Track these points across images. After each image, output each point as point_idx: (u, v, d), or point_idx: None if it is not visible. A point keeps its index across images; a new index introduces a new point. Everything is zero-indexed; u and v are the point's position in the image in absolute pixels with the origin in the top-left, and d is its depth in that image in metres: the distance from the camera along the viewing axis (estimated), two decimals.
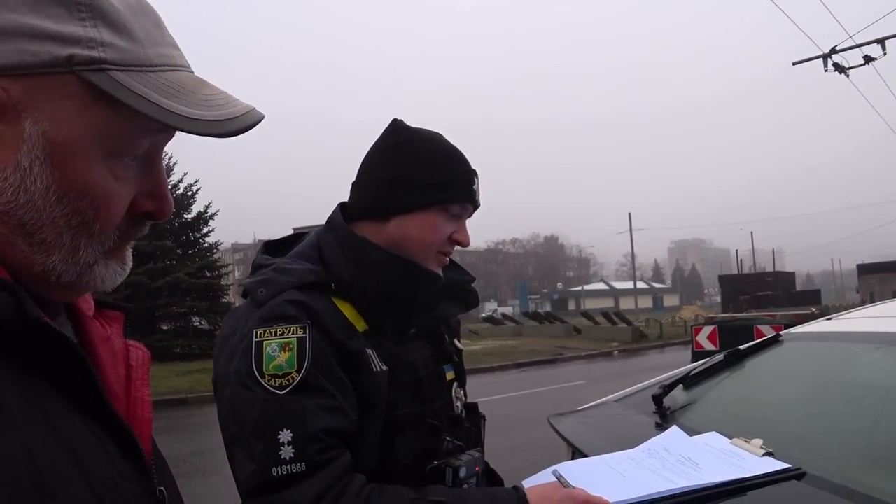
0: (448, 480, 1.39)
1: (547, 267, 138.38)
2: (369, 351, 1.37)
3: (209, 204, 23.97)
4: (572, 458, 2.27)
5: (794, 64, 17.23)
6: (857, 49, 15.31)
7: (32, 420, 0.61)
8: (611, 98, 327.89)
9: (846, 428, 1.96)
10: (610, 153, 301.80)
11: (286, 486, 1.22)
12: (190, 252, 23.47)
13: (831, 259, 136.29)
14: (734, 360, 2.67)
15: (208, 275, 23.27)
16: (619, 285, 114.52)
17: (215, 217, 24.06)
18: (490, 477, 1.66)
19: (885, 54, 14.81)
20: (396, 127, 1.51)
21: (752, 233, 64.74)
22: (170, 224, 21.83)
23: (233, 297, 25.07)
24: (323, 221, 1.54)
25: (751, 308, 18.65)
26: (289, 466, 1.22)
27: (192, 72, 0.76)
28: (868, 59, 15.08)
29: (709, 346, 13.72)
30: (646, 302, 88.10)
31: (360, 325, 1.41)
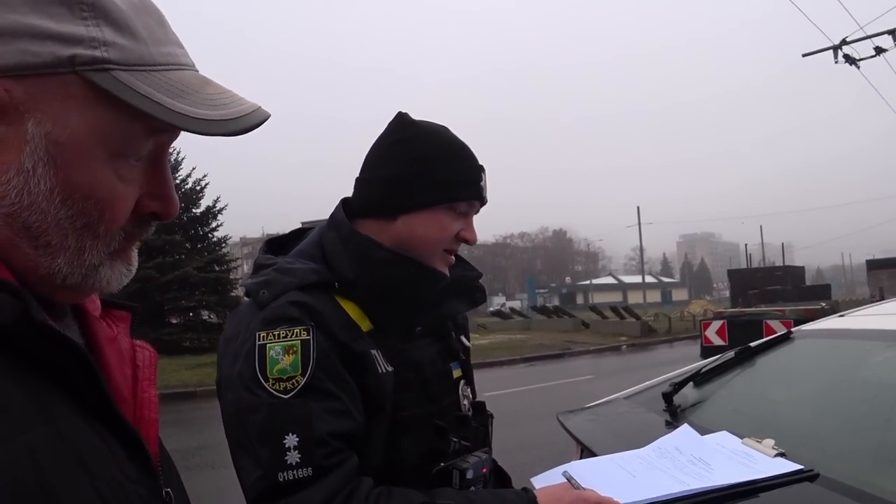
0: (455, 483, 1.38)
1: (555, 261, 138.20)
2: (374, 352, 1.35)
3: (217, 199, 24.13)
4: (581, 456, 2.26)
5: (804, 55, 17.13)
6: (869, 40, 15.23)
7: (37, 423, 0.60)
8: (620, 95, 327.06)
9: (859, 428, 1.94)
10: (619, 148, 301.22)
11: (293, 492, 1.20)
12: (199, 246, 23.62)
13: (841, 254, 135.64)
14: (745, 357, 2.65)
15: (217, 269, 23.39)
16: (627, 279, 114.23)
17: (224, 212, 24.18)
18: (498, 475, 1.64)
19: None
20: (401, 121, 1.48)
21: (761, 227, 64.47)
22: (179, 219, 21.90)
23: (241, 291, 25.11)
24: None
25: (760, 303, 18.54)
26: (295, 472, 1.20)
27: (197, 70, 0.75)
28: (879, 51, 14.99)
29: (718, 341, 13.71)
30: (654, 296, 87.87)
31: (365, 325, 1.39)
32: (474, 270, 1.63)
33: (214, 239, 24.43)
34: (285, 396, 1.24)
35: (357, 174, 1.51)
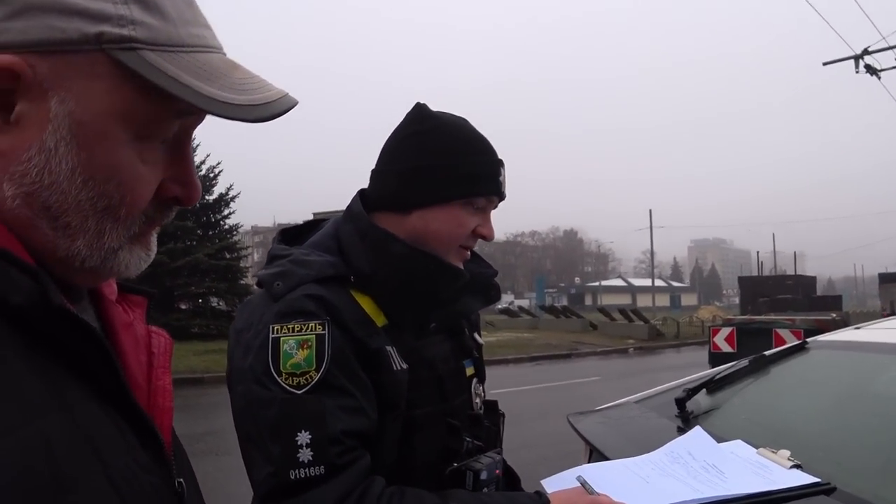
0: (468, 484, 1.35)
1: (565, 261, 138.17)
2: (389, 348, 1.32)
3: (230, 186, 24.20)
4: (589, 458, 2.24)
5: (824, 64, 17.04)
6: (891, 51, 15.09)
7: (52, 409, 0.59)
8: (639, 108, 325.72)
9: (876, 442, 1.91)
10: (634, 150, 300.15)
11: (304, 490, 1.17)
12: (210, 233, 23.71)
13: (854, 265, 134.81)
14: (759, 365, 2.62)
15: (228, 256, 23.48)
16: (636, 282, 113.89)
17: (236, 199, 24.24)
18: (507, 475, 1.62)
19: None
20: (419, 112, 1.44)
21: (773, 234, 64.06)
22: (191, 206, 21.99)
23: (251, 280, 25.24)
24: (342, 208, 1.48)
25: (770, 311, 18.42)
26: (307, 470, 1.17)
27: (225, 54, 0.73)
28: None
29: (726, 348, 13.64)
30: (663, 300, 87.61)
31: (380, 320, 1.36)
32: (490, 268, 1.60)
33: (226, 227, 24.52)
34: (298, 392, 1.21)
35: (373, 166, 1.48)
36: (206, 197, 23.41)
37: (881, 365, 2.39)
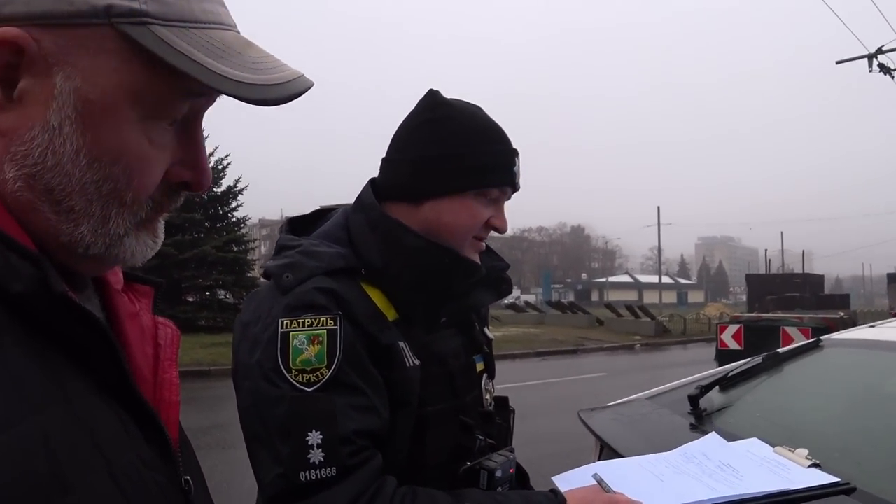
0: (482, 483, 1.32)
1: (572, 257, 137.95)
2: (402, 344, 1.28)
3: (239, 178, 24.18)
4: (599, 455, 2.21)
5: (837, 62, 16.92)
6: None
7: (52, 402, 0.56)
8: (645, 93, 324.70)
9: (894, 441, 1.87)
10: (643, 147, 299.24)
11: (315, 493, 1.13)
12: (218, 225, 23.72)
13: (862, 264, 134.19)
14: (773, 363, 2.59)
15: (235, 249, 23.50)
16: (643, 279, 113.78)
17: (244, 192, 24.24)
18: (517, 472, 1.58)
19: None
20: (432, 100, 1.39)
21: (781, 233, 63.61)
22: (199, 197, 22.04)
23: (259, 272, 25.28)
24: (350, 200, 1.44)
25: (777, 309, 18.32)
26: (318, 471, 1.13)
27: (239, 32, 0.70)
28: None
29: (733, 346, 13.60)
30: (670, 297, 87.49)
31: (391, 314, 1.31)
32: (502, 261, 1.56)
33: (234, 219, 24.52)
34: (309, 389, 1.16)
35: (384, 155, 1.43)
36: (215, 189, 23.40)
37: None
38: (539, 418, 8.78)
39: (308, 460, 1.13)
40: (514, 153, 1.40)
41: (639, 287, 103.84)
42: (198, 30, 0.63)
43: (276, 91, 0.65)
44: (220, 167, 23.70)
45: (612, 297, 74.31)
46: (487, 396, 1.49)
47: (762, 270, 48.16)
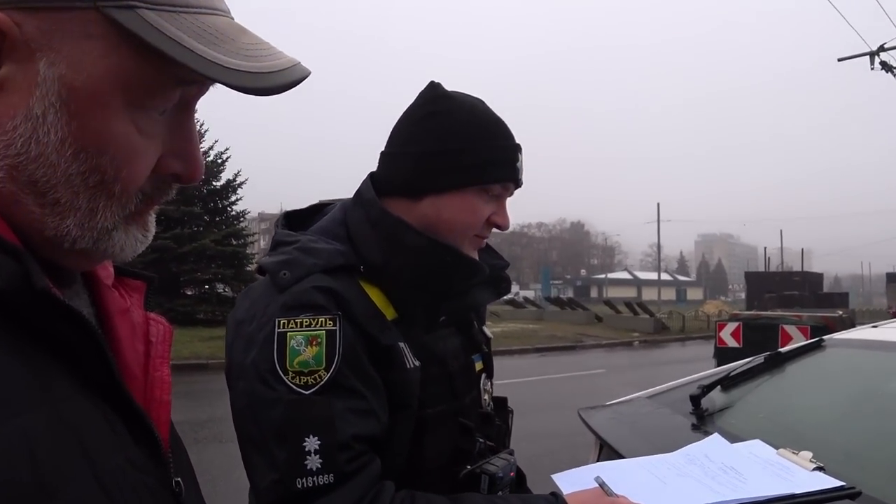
0: (483, 488, 1.29)
1: (571, 253, 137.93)
2: (402, 344, 1.24)
3: (238, 172, 24.13)
4: (599, 454, 2.19)
5: (839, 60, 16.86)
6: None
7: (35, 404, 0.53)
8: (648, 89, 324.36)
9: None
10: (643, 144, 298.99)
11: (312, 500, 1.10)
12: (217, 219, 23.71)
13: (861, 263, 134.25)
14: (775, 363, 2.56)
15: (234, 243, 23.45)
16: (643, 275, 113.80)
17: (244, 186, 24.20)
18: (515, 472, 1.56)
19: None
20: (434, 92, 1.34)
21: (781, 231, 63.62)
22: (198, 191, 22.04)
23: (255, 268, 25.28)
24: (348, 196, 1.40)
25: (776, 307, 18.29)
26: (315, 478, 1.10)
27: (233, 18, 0.67)
28: None
29: (732, 343, 13.56)
30: (669, 294, 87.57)
31: (389, 313, 1.27)
32: (501, 259, 1.52)
33: (233, 213, 24.48)
34: (306, 392, 1.12)
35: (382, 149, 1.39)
36: (214, 183, 23.39)
37: None
38: (537, 414, 8.77)
39: (305, 466, 1.10)
40: (517, 148, 1.36)
41: (638, 284, 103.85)
42: (189, 14, 0.60)
43: (271, 79, 0.62)
44: (219, 161, 23.66)
45: (612, 293, 74.35)
46: (486, 397, 1.46)
47: (761, 268, 48.17)
